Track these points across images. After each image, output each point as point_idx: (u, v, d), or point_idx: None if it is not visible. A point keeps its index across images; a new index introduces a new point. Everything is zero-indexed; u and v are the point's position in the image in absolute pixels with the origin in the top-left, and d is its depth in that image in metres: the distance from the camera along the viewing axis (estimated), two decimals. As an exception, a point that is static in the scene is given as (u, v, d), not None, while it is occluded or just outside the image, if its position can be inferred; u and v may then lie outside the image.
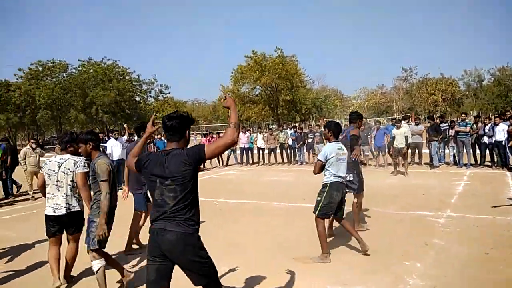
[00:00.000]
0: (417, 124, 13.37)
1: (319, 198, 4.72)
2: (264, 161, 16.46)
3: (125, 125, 13.45)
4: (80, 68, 42.91)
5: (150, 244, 2.61)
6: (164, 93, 49.37)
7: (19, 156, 10.67)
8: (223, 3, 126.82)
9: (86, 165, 4.11)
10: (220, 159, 16.53)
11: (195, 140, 33.53)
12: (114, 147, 11.37)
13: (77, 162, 4.08)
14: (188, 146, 2.75)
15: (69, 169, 4.04)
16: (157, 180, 2.58)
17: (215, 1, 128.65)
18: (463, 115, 13.23)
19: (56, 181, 4.02)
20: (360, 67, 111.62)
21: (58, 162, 4.06)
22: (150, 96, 49.45)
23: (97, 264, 3.78)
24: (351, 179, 5.63)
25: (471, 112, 47.69)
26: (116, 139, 11.56)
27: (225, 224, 6.79)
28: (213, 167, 16.01)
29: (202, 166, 15.79)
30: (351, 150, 5.41)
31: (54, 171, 4.04)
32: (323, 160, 4.69)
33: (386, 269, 4.33)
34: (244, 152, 16.56)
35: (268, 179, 12.34)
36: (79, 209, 4.14)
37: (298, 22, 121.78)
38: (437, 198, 7.94)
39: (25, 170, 10.43)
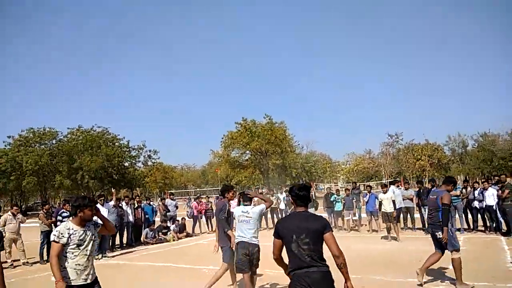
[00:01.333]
0: (406, 189, 13.41)
1: (235, 258, 5.56)
2: (254, 227, 16.03)
3: (112, 190, 13.22)
4: (69, 136, 43.17)
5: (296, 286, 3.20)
6: (153, 158, 49.27)
7: None
8: (209, 70, 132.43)
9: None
10: (209, 223, 16.09)
11: (185, 204, 32.93)
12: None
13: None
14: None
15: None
16: (293, 236, 3.22)
17: (202, 67, 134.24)
18: (451, 179, 13.36)
19: (87, 251, 3.89)
20: (347, 133, 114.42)
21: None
22: (139, 161, 49.30)
23: None
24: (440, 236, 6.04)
25: (458, 176, 48.38)
26: (103, 204, 11.28)
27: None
28: (202, 232, 15.49)
29: (191, 232, 15.31)
30: (443, 220, 5.94)
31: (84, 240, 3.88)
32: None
33: None
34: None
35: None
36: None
37: (286, 90, 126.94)
38: (434, 264, 7.69)
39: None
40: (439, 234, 6.01)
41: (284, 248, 3.33)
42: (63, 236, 3.69)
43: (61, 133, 43.23)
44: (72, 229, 3.77)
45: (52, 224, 10.58)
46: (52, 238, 3.70)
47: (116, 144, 44.98)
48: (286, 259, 3.34)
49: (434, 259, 6.25)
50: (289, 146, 40.72)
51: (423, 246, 9.90)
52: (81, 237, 3.78)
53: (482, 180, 12.60)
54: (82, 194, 38.61)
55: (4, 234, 9.95)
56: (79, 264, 3.74)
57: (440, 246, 6.19)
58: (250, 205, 5.85)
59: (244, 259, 5.36)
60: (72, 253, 3.73)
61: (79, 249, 3.76)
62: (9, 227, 10.09)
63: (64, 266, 3.68)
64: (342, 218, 14.32)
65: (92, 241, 3.88)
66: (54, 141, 42.84)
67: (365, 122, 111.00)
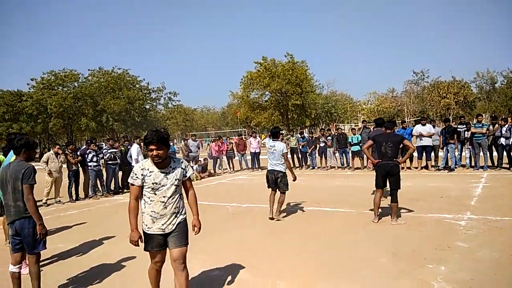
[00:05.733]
0: (433, 127, 13.05)
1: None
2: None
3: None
4: (90, 78, 43.44)
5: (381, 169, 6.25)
6: (173, 100, 49.51)
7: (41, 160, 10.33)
8: (232, 9, 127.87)
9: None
10: (231, 163, 16.43)
11: (204, 144, 33.51)
12: (140, 154, 11.39)
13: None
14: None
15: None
16: (383, 142, 6.16)
17: (225, 7, 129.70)
18: (479, 116, 12.86)
19: (165, 198, 3.30)
20: (369, 71, 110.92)
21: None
22: (160, 103, 49.72)
23: None
24: None
25: (484, 114, 46.88)
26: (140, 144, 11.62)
27: (239, 228, 6.64)
28: (224, 172, 15.88)
29: (213, 171, 15.71)
30: None
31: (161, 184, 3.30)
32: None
33: (410, 272, 4.14)
34: (255, 157, 16.44)
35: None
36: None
37: (308, 28, 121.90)
38: (456, 200, 7.70)
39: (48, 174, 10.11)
40: None
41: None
42: (136, 177, 3.25)
43: (82, 75, 43.56)
44: (148, 169, 3.26)
45: (79, 163, 10.90)
46: (129, 179, 3.31)
47: (137, 86, 45.22)
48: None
49: None
50: (310, 86, 39.89)
51: (445, 183, 9.90)
52: (157, 180, 3.24)
53: (510, 117, 12.08)
54: (107, 136, 39.73)
55: (46, 171, 10.05)
56: (154, 211, 3.26)
57: None
58: (277, 141, 6.89)
59: (269, 180, 6.90)
60: (149, 198, 3.27)
61: (155, 194, 3.25)
62: (51, 166, 10.10)
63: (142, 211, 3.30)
64: (359, 158, 14.11)
65: (174, 187, 3.30)
66: (76, 84, 43.32)
67: (389, 60, 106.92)
